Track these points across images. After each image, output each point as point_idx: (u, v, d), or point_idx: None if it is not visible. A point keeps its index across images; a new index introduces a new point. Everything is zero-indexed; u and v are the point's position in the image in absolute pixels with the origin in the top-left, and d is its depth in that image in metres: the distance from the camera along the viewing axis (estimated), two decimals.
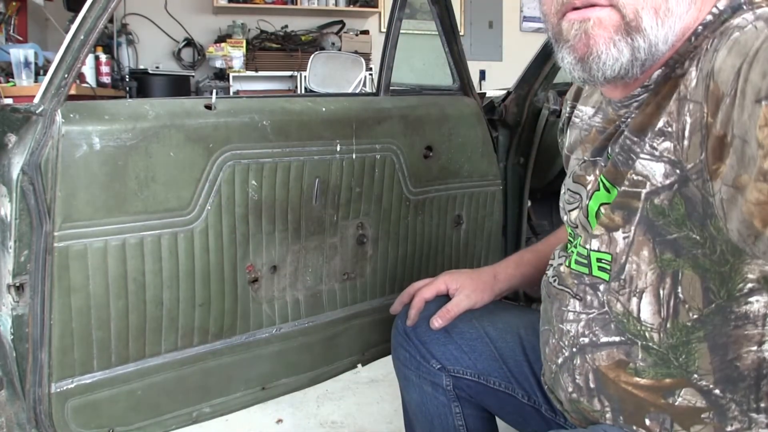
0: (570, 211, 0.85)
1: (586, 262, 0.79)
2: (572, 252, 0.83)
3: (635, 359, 0.75)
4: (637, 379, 0.75)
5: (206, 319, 1.24)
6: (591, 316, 0.79)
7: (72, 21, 1.06)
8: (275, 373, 1.38)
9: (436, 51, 1.73)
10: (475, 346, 1.06)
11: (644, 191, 0.69)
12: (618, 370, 0.77)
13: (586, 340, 0.79)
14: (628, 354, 0.76)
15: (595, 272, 0.78)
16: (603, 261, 0.76)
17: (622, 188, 0.72)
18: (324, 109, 1.37)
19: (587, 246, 0.78)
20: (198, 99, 1.23)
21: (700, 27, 0.66)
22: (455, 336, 1.07)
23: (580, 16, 0.66)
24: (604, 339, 0.77)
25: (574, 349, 0.81)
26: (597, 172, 0.79)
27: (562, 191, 0.90)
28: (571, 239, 0.86)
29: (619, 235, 0.73)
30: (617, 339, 0.76)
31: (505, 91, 1.90)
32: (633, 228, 0.71)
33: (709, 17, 0.66)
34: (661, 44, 0.65)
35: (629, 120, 0.74)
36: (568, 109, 0.98)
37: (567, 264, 0.83)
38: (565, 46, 0.68)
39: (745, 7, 0.65)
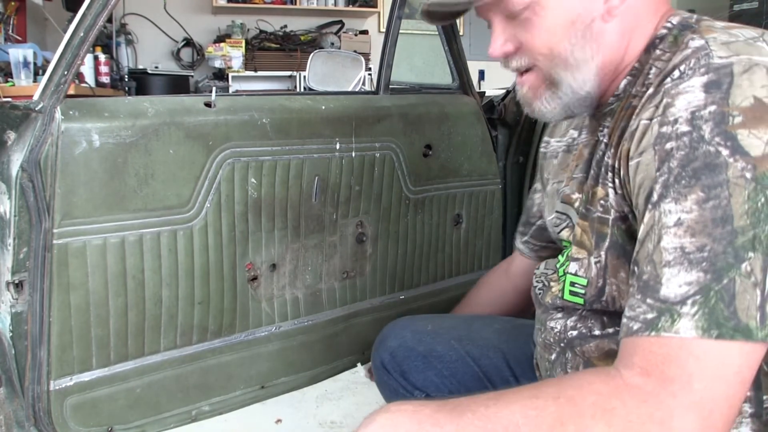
0: (559, 232, 0.88)
1: (561, 285, 0.82)
2: (561, 273, 0.85)
3: None
4: None
5: (205, 317, 1.24)
6: (580, 313, 0.80)
7: (71, 21, 1.06)
8: (275, 372, 1.38)
9: (436, 50, 1.73)
10: (456, 369, 1.06)
11: (611, 218, 0.73)
12: (608, 360, 0.78)
13: (575, 333, 0.81)
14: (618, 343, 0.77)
15: (566, 296, 0.81)
16: (577, 285, 0.79)
17: (596, 213, 0.75)
18: (324, 107, 1.36)
19: (566, 269, 0.81)
20: (198, 96, 1.23)
21: (657, 40, 0.73)
22: (434, 361, 1.07)
23: (520, 81, 0.78)
24: (596, 332, 0.78)
25: (562, 344, 0.83)
26: (584, 188, 0.81)
27: (550, 216, 0.92)
28: (560, 257, 0.88)
29: (592, 260, 0.76)
30: (611, 330, 0.77)
31: (504, 90, 1.90)
32: (603, 253, 0.74)
33: (663, 31, 0.74)
34: (582, 86, 0.74)
35: (605, 131, 0.78)
36: (541, 147, 1.04)
37: (556, 290, 0.85)
38: (522, 102, 0.80)
39: (694, 26, 0.71)
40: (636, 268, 0.63)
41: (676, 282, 0.58)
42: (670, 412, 0.55)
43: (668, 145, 0.62)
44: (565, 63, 0.73)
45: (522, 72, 0.77)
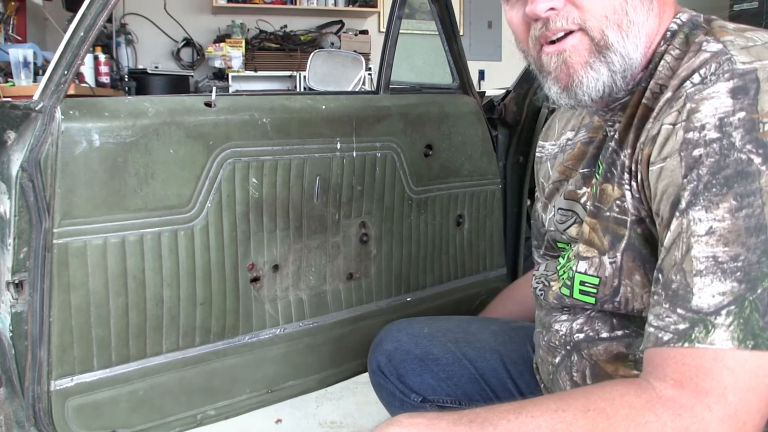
0: (566, 229, 0.86)
1: (570, 284, 0.80)
2: (561, 273, 0.84)
3: (635, 351, 0.75)
4: (636, 372, 0.75)
5: (208, 318, 1.23)
6: (588, 315, 0.80)
7: (71, 21, 1.06)
8: (281, 375, 1.36)
9: (436, 50, 1.73)
10: (452, 371, 1.06)
11: (629, 220, 0.71)
12: (616, 363, 0.77)
13: (582, 336, 0.80)
14: (628, 346, 0.76)
15: (576, 295, 0.79)
16: (587, 284, 0.77)
17: (611, 213, 0.73)
18: (324, 106, 1.36)
19: (573, 267, 0.79)
20: (198, 96, 1.23)
21: (669, 33, 0.72)
22: (431, 364, 1.06)
23: (556, 48, 0.71)
24: (604, 334, 0.77)
25: (569, 347, 0.82)
26: (592, 183, 0.80)
27: (551, 215, 0.90)
28: (561, 260, 0.87)
29: (606, 260, 0.74)
30: (619, 333, 0.76)
31: (504, 90, 1.90)
32: (619, 254, 0.73)
33: (674, 26, 0.73)
34: (632, 53, 0.70)
35: (616, 125, 0.76)
36: (536, 152, 1.02)
37: (557, 288, 0.84)
38: (549, 78, 0.74)
39: (704, 26, 0.71)
40: (661, 276, 0.62)
41: (709, 292, 0.57)
42: (706, 425, 0.54)
43: (696, 152, 0.60)
44: (619, 23, 0.69)
45: (557, 40, 0.71)
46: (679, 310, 0.58)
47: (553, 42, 0.71)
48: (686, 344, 0.57)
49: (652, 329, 0.61)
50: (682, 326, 0.58)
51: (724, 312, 0.56)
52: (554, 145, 0.96)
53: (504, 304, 1.26)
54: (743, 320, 0.55)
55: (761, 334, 0.55)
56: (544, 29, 0.71)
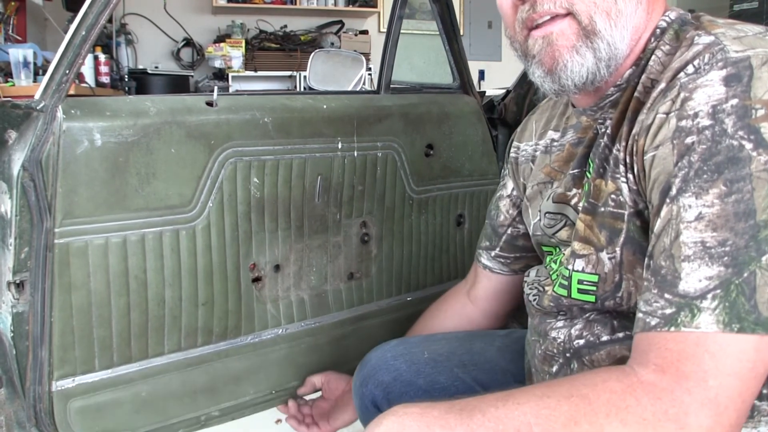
0: (555, 233, 0.85)
1: (566, 284, 0.79)
2: (555, 277, 0.83)
3: None
4: None
5: (210, 318, 1.23)
6: (587, 318, 0.79)
7: (71, 21, 1.06)
8: (284, 376, 1.35)
9: (436, 50, 1.73)
10: None
11: (626, 213, 0.71)
12: None
13: (582, 341, 0.79)
14: (630, 348, 0.75)
15: (575, 294, 0.78)
16: (586, 282, 0.76)
17: (606, 208, 0.73)
18: (325, 106, 1.36)
19: (569, 267, 0.78)
20: (199, 96, 1.22)
21: (658, 30, 0.73)
22: (438, 395, 0.96)
23: (542, 32, 0.71)
24: (605, 337, 0.77)
25: (568, 355, 0.80)
26: (584, 182, 0.79)
27: (536, 219, 0.89)
28: (552, 264, 0.86)
29: (604, 256, 0.74)
30: (620, 335, 0.75)
31: (504, 90, 1.90)
32: (618, 249, 0.72)
33: (663, 23, 0.73)
34: (618, 43, 0.70)
35: (606, 122, 0.76)
36: (511, 152, 1.00)
37: (551, 290, 0.83)
38: (533, 62, 0.73)
39: (693, 22, 0.71)
40: (651, 262, 0.62)
41: (695, 276, 0.57)
42: (685, 408, 0.54)
43: (688, 140, 0.61)
44: (607, 11, 0.69)
45: (543, 23, 0.70)
46: (666, 295, 0.59)
47: (539, 26, 0.71)
48: (672, 328, 0.57)
49: (640, 315, 0.61)
50: (668, 311, 0.58)
51: (709, 296, 0.56)
52: (535, 146, 0.95)
53: (439, 320, 1.16)
54: (729, 304, 0.55)
55: (747, 317, 0.55)
56: (531, 11, 0.71)
